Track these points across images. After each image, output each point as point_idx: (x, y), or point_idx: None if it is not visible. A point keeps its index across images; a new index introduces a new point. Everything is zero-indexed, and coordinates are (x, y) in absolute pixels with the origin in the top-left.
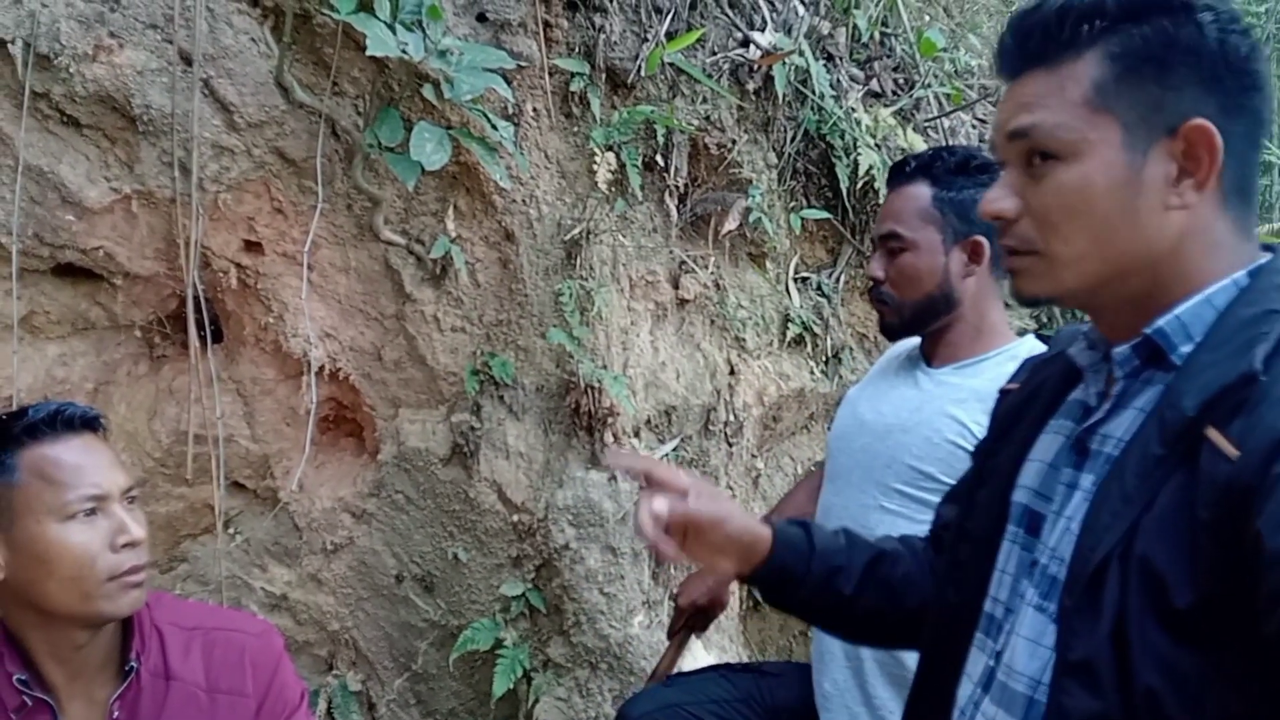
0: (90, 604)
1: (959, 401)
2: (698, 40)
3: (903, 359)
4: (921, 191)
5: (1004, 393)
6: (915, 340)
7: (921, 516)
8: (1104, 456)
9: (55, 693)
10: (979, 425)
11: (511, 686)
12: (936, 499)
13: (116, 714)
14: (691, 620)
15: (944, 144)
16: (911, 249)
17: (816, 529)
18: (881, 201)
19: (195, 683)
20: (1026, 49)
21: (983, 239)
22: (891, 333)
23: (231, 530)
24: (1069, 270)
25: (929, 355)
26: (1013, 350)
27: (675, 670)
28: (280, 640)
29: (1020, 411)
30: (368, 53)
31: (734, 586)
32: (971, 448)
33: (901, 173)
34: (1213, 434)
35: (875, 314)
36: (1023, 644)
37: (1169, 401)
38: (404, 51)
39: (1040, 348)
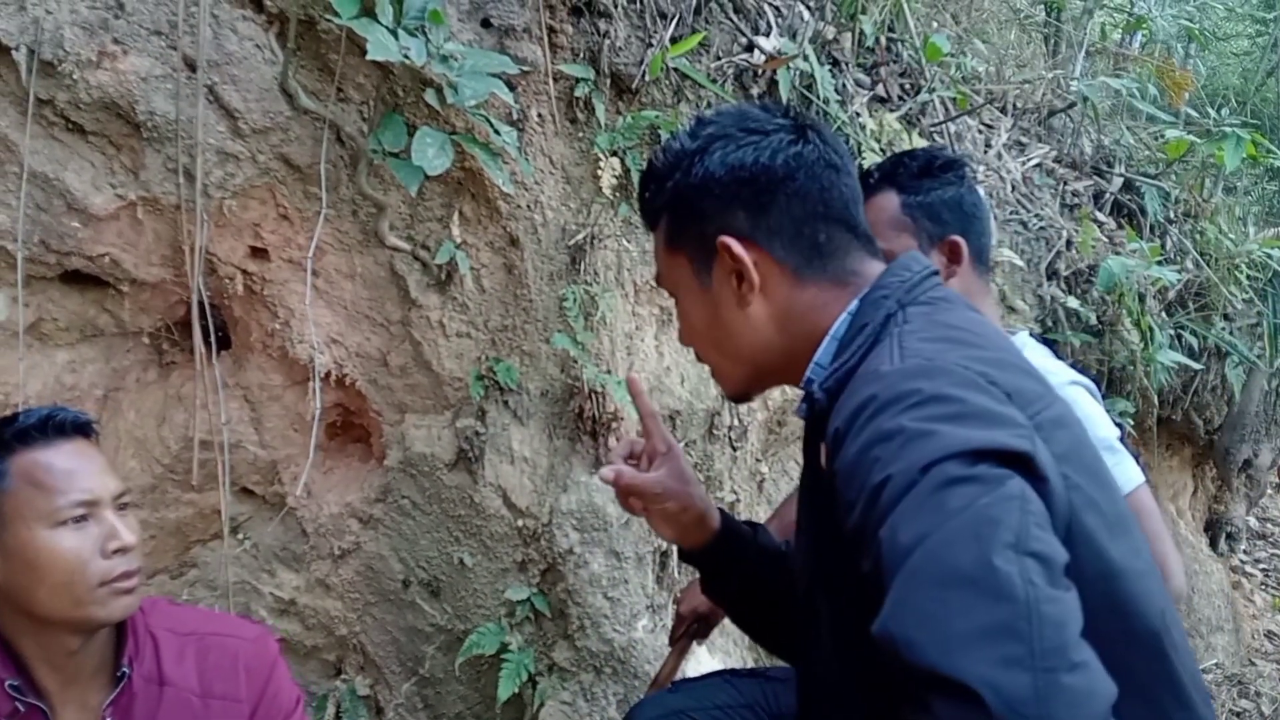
0: (81, 610)
1: None
2: (702, 45)
3: None
4: (889, 200)
5: None
6: None
7: None
8: None
9: (48, 698)
10: None
11: (516, 691)
12: None
13: (108, 719)
14: (693, 627)
15: (948, 148)
16: (891, 259)
17: (764, 531)
18: None
19: (189, 688)
20: (644, 215)
21: (959, 238)
22: None
23: (240, 535)
24: (723, 377)
25: None
26: None
27: (678, 677)
28: (275, 645)
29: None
30: (368, 57)
31: None
32: None
33: (866, 184)
34: (823, 448)
35: None
36: None
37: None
38: (406, 56)
39: (1033, 345)
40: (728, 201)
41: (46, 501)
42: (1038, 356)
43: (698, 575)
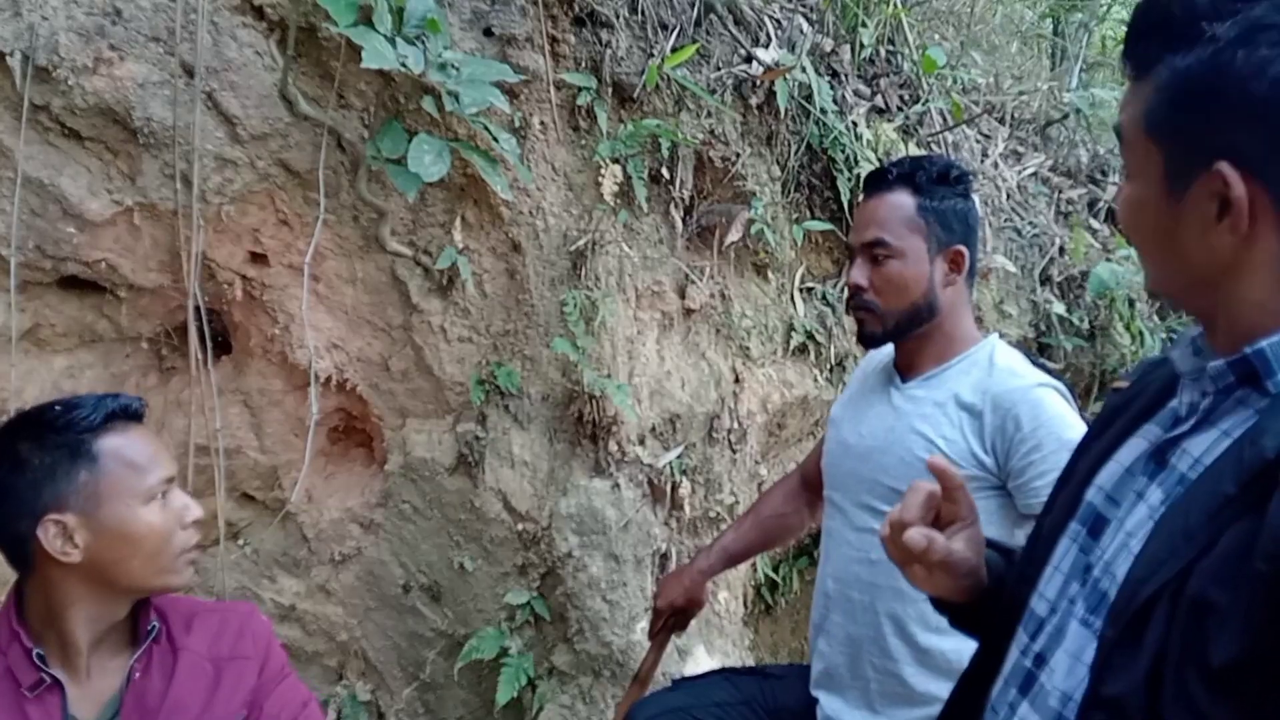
0: (163, 577)
1: (924, 416)
2: (702, 56)
3: (878, 373)
4: (905, 200)
5: (1115, 390)
6: (889, 350)
7: None
8: (1178, 474)
9: (76, 660)
10: (943, 439)
11: (516, 695)
12: None
13: (136, 674)
14: (671, 621)
15: (947, 158)
16: (899, 257)
17: (1014, 560)
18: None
19: (200, 653)
20: (1131, 57)
21: (964, 248)
22: (873, 341)
23: (241, 541)
24: (1151, 274)
25: (902, 367)
26: (972, 356)
27: (658, 671)
28: (268, 620)
29: (1119, 411)
30: (363, 65)
31: (714, 588)
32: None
33: (883, 181)
34: None
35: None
36: (1064, 657)
37: (1251, 437)
38: (403, 64)
39: (1003, 348)
40: (1253, 121)
41: (139, 480)
42: (1008, 360)
43: (673, 569)
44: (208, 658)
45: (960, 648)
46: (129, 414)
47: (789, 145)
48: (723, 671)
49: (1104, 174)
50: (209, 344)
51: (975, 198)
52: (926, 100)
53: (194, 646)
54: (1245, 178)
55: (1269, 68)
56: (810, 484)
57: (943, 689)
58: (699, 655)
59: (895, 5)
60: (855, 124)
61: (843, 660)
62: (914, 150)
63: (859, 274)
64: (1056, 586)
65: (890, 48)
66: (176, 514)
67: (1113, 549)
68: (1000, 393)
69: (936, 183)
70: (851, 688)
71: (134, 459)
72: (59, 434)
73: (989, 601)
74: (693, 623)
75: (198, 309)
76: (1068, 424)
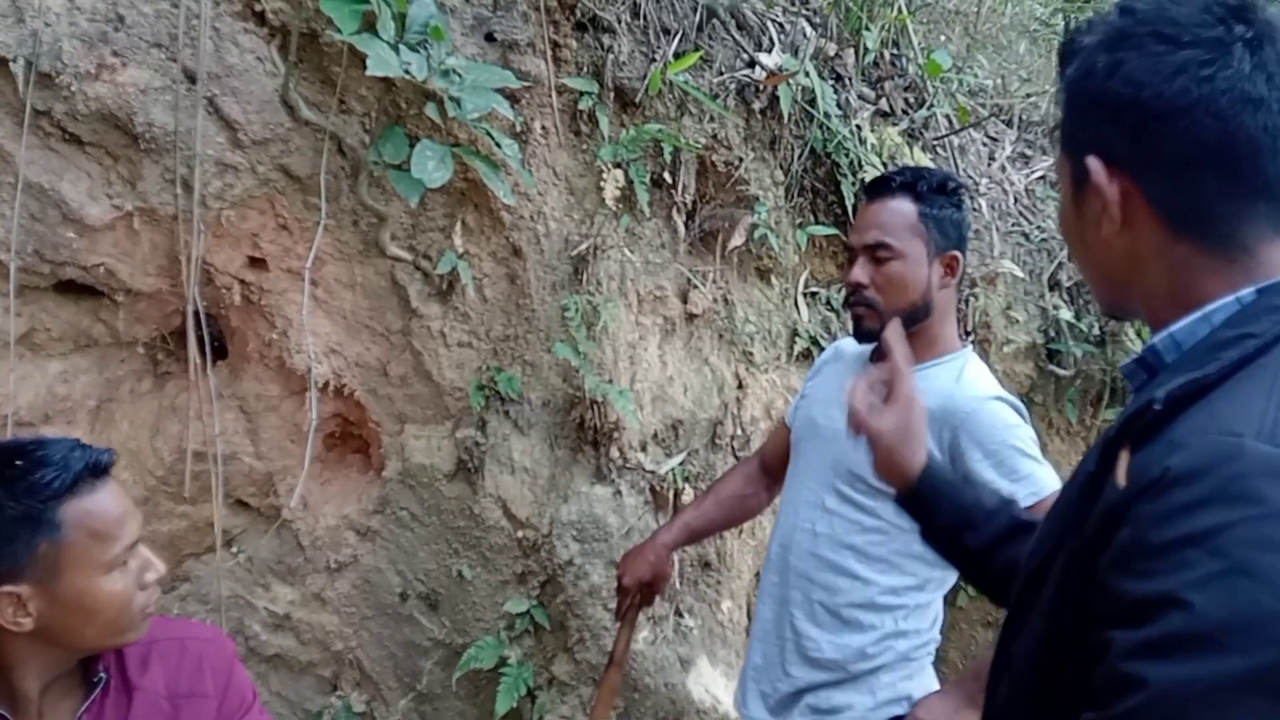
0: (119, 638)
1: None
2: (705, 61)
3: (853, 361)
4: (907, 207)
5: None
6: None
7: (856, 516)
8: None
9: (27, 707)
10: None
11: (515, 705)
12: (870, 501)
13: None
14: (638, 598)
15: (952, 162)
16: (900, 259)
17: (966, 485)
18: None
19: (157, 692)
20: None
21: (958, 254)
22: (871, 337)
23: (235, 549)
24: (1090, 285)
25: (878, 361)
26: (946, 363)
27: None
28: (232, 645)
29: None
30: (368, 73)
31: (718, 597)
32: None
33: (887, 187)
34: (1122, 456)
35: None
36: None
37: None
38: (407, 72)
39: (975, 362)
40: (1115, 118)
41: (104, 550)
42: (975, 374)
43: (632, 546)
44: (165, 695)
45: (878, 640)
46: (98, 470)
47: (792, 150)
48: None
49: None
50: (208, 349)
51: (982, 203)
52: (932, 104)
53: (150, 685)
54: (1114, 172)
55: (1121, 68)
56: (769, 469)
57: (850, 663)
58: (702, 666)
59: (900, 8)
60: (859, 128)
61: (770, 616)
62: (920, 154)
63: (860, 272)
64: None
65: (895, 51)
66: (136, 574)
67: None
68: (961, 399)
69: (936, 192)
70: (774, 644)
71: (99, 528)
72: (18, 500)
73: (925, 505)
74: (696, 633)
75: (197, 314)
76: (1014, 432)
